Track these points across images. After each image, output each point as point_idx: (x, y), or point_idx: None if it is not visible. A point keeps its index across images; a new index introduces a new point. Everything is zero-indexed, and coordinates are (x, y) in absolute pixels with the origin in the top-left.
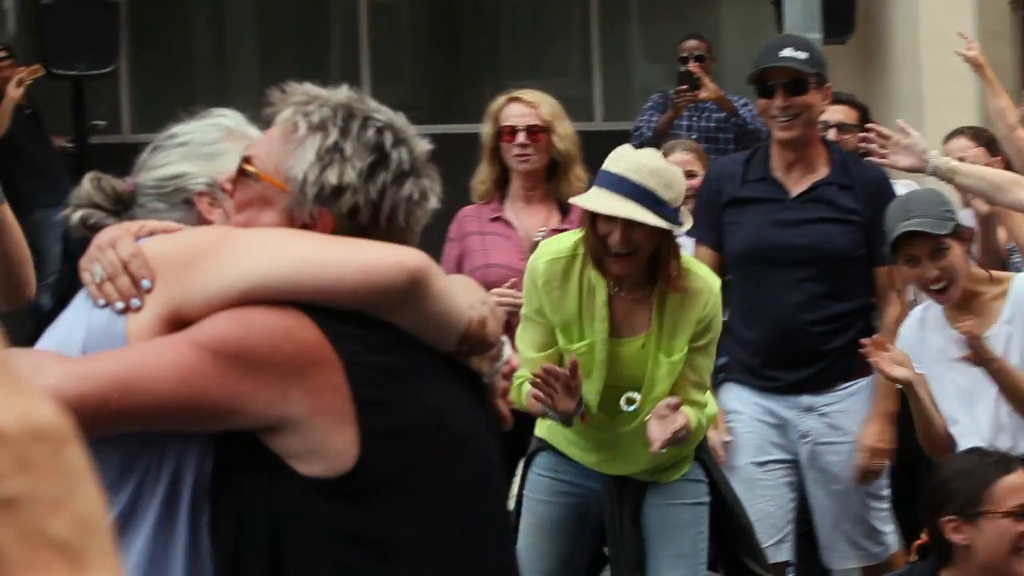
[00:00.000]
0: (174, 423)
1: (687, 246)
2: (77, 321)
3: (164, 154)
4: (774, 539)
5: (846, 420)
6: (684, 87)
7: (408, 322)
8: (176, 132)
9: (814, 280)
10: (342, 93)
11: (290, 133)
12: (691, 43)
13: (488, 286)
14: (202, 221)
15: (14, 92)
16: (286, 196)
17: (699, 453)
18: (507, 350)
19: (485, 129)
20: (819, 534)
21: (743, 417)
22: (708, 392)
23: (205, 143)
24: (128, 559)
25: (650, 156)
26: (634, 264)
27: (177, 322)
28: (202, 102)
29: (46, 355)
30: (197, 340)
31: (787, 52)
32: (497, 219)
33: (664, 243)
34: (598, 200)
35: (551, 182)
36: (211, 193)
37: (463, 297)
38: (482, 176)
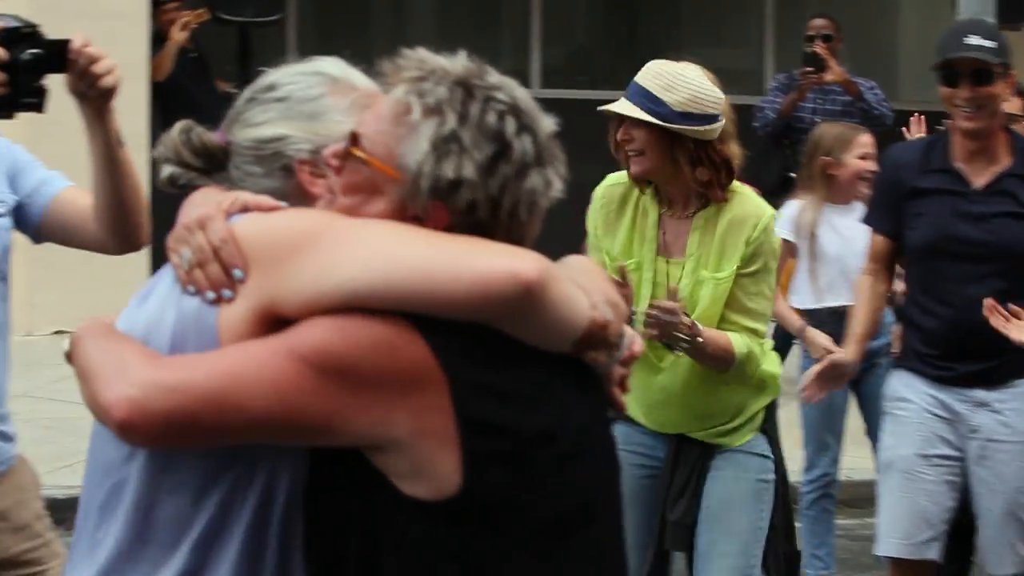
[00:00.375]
0: (267, 439)
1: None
2: (167, 301)
3: (261, 110)
4: (925, 536)
5: (1019, 419)
6: (810, 69)
7: (521, 331)
8: (273, 82)
9: (997, 276)
10: (460, 64)
11: (403, 115)
12: (819, 22)
13: None
14: (302, 193)
15: (178, 35)
16: (397, 186)
17: (764, 426)
18: (627, 337)
19: None
20: (981, 536)
21: (913, 406)
22: (766, 332)
23: (307, 99)
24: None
25: (668, 63)
26: (645, 162)
27: (271, 319)
28: (375, 52)
29: (133, 351)
30: (296, 351)
31: (974, 40)
32: None
33: (679, 147)
34: (611, 105)
35: None
36: (313, 161)
37: (584, 297)
38: None
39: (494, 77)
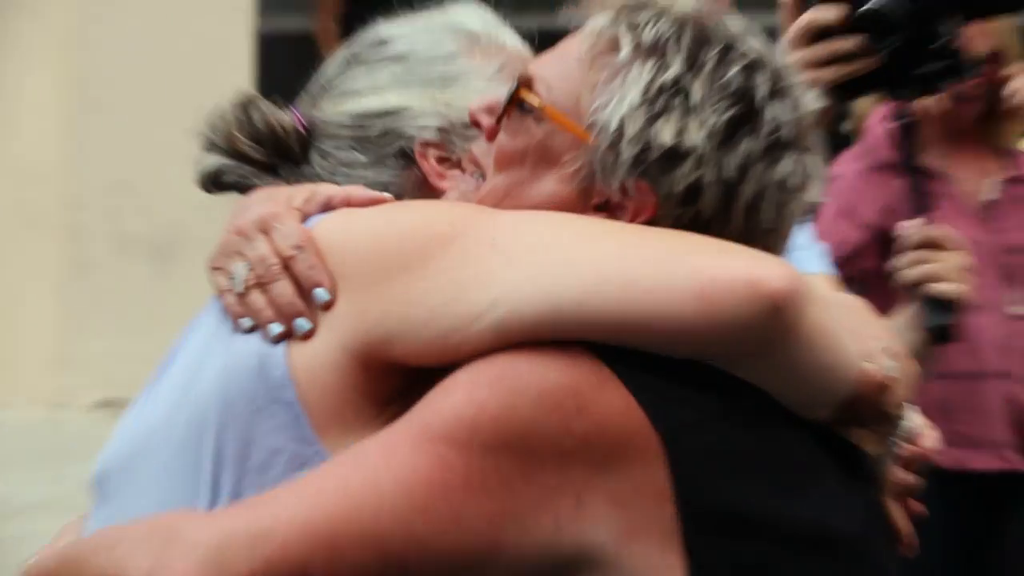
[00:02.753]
0: None
1: None
2: (209, 349)
3: (367, 72)
4: None
5: None
6: None
7: (761, 375)
8: (387, 37)
9: None
10: (690, 1)
11: (604, 53)
12: None
13: None
14: (424, 188)
15: None
16: (585, 152)
17: None
18: (912, 420)
19: None
20: None
21: None
22: None
23: (435, 58)
24: None
25: None
26: None
27: (378, 365)
28: None
29: (167, 514)
30: (433, 430)
31: None
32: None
33: None
34: None
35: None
36: (443, 144)
37: (854, 340)
38: None
39: (739, 22)
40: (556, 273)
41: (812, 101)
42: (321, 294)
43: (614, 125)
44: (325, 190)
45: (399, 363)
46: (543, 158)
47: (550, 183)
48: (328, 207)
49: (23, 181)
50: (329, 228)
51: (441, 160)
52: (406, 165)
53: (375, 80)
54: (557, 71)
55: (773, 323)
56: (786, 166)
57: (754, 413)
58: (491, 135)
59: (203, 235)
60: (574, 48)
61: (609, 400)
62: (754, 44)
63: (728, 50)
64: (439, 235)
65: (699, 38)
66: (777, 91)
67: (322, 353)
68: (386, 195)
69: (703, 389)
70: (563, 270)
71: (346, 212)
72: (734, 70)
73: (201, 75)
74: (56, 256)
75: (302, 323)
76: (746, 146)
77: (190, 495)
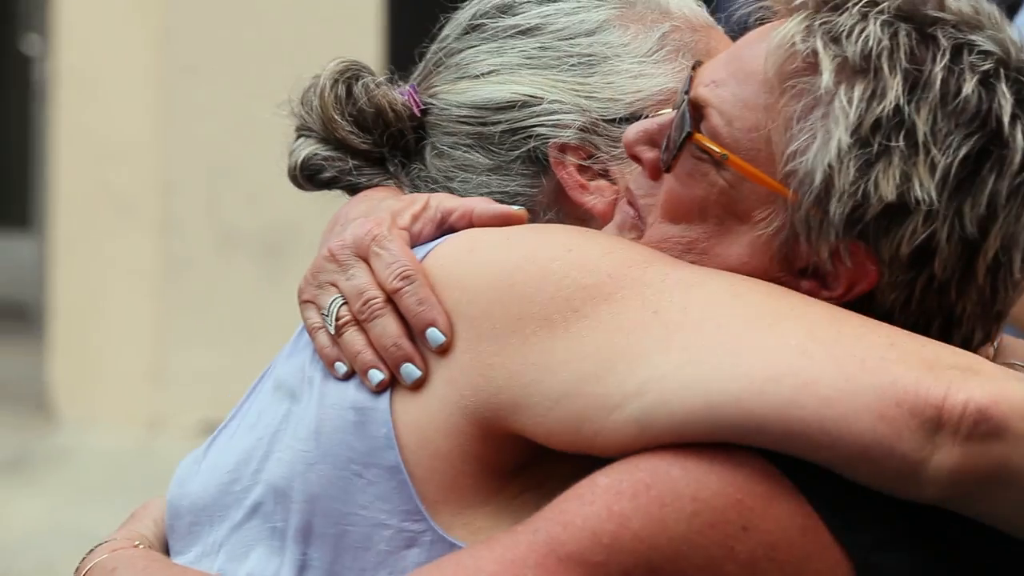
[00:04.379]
0: None
1: None
2: (295, 398)
3: (490, 49)
4: None
5: None
6: None
7: (988, 515)
8: (513, 1)
9: None
10: None
11: (798, 74)
12: None
13: None
14: (562, 201)
15: None
16: (783, 209)
17: None
18: None
19: None
20: None
21: None
22: None
23: (576, 32)
24: None
25: None
26: None
27: (502, 434)
28: None
29: None
30: (561, 550)
31: None
32: None
33: None
34: None
35: None
36: (585, 147)
37: None
38: None
39: (964, 4)
40: (719, 361)
41: None
42: (435, 335)
43: (820, 177)
44: (440, 202)
45: (523, 436)
46: (730, 213)
47: (741, 244)
48: (444, 224)
49: (112, 162)
50: (448, 255)
51: (582, 169)
52: (539, 172)
53: (499, 60)
54: (737, 98)
55: (974, 457)
56: None
57: (960, 547)
58: (655, 174)
59: (319, 231)
60: (757, 64)
61: (783, 515)
62: (989, 33)
63: (960, 53)
64: (594, 287)
65: (920, 40)
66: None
67: (436, 411)
68: (519, 210)
69: (906, 504)
70: (728, 359)
71: (470, 235)
72: (970, 85)
73: (320, 34)
74: (150, 253)
75: (411, 369)
76: (991, 188)
77: (272, 569)
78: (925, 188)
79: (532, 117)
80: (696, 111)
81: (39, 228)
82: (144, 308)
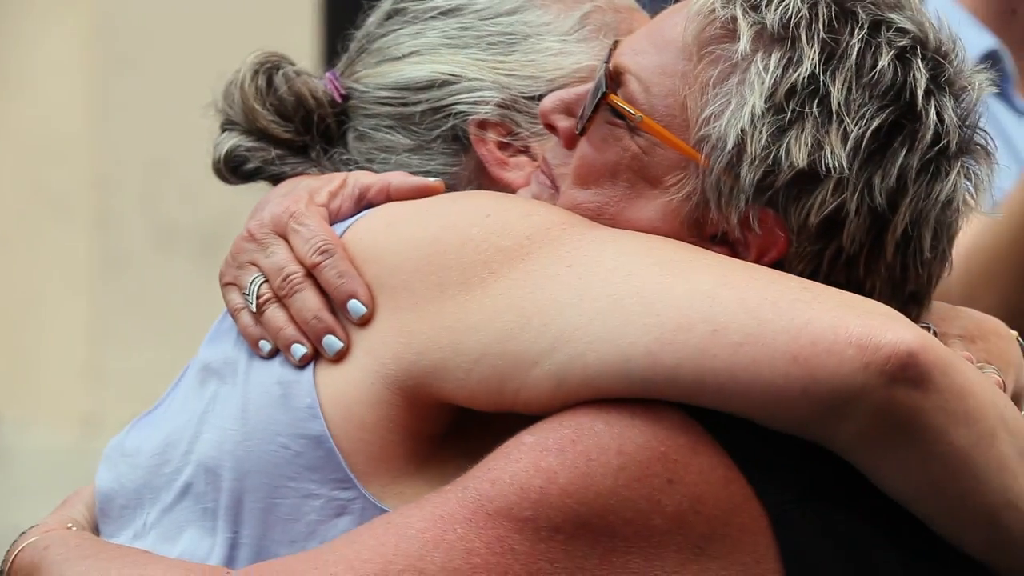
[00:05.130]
0: None
1: None
2: (221, 378)
3: (411, 32)
4: None
5: None
6: None
7: (886, 473)
8: None
9: None
10: None
11: (716, 41)
12: None
13: None
14: (482, 179)
15: None
16: (695, 174)
17: None
18: None
19: None
20: None
21: None
22: None
23: (497, 12)
24: None
25: None
26: None
27: (427, 401)
28: None
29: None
30: (490, 506)
31: None
32: None
33: None
34: None
35: None
36: (505, 124)
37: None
38: None
39: None
40: (630, 312)
41: (983, 87)
42: (356, 307)
43: (732, 141)
44: (358, 179)
45: (447, 401)
46: (641, 177)
47: (651, 209)
48: (363, 201)
49: (45, 158)
50: (367, 229)
51: (503, 146)
52: (459, 150)
53: (419, 41)
54: (655, 64)
55: (894, 402)
56: (950, 183)
57: (872, 506)
58: (570, 142)
59: None
60: (676, 31)
61: (706, 468)
62: (908, 14)
63: (877, 29)
64: (512, 248)
65: (840, 14)
66: (940, 84)
67: (358, 381)
68: (435, 181)
69: (817, 455)
70: (639, 308)
71: (388, 209)
72: (886, 59)
73: (255, 26)
74: (86, 249)
75: (332, 342)
76: (901, 161)
77: (204, 549)
78: (836, 156)
79: (452, 95)
80: (614, 78)
81: None
82: (80, 306)
